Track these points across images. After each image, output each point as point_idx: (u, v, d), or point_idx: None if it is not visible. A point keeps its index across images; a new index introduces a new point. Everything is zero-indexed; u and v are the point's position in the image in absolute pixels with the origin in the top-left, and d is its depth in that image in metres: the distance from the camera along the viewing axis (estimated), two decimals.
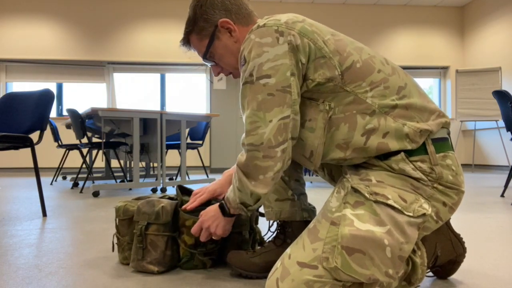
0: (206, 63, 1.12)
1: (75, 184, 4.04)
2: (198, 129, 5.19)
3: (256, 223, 1.39)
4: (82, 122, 3.65)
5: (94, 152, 6.71)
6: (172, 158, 7.04)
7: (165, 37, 7.17)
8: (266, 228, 1.84)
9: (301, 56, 0.89)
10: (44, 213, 2.25)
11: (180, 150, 3.81)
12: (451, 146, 0.95)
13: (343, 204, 0.88)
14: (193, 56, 7.16)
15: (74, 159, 6.91)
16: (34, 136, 6.06)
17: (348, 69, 0.90)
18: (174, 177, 4.97)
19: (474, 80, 6.55)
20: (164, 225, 1.20)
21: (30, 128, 2.32)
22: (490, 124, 6.79)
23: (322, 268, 0.81)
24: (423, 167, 0.88)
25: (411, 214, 0.85)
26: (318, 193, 3.33)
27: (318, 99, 0.92)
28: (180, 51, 7.19)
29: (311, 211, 1.22)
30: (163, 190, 3.58)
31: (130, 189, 3.86)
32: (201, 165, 7.13)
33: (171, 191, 3.72)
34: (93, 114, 3.48)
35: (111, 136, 4.47)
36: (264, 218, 2.11)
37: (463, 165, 7.49)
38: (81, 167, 3.94)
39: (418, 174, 0.88)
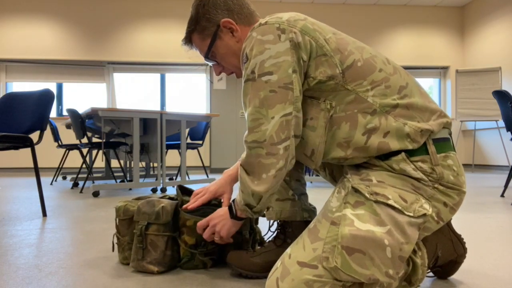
0: (208, 63, 1.12)
1: (75, 184, 4.04)
2: (198, 129, 5.19)
3: (256, 223, 1.39)
4: (82, 122, 3.65)
5: (94, 152, 6.71)
6: (172, 158, 7.04)
7: (165, 37, 7.17)
8: (266, 228, 1.84)
9: (302, 53, 0.89)
10: (44, 213, 2.25)
11: (180, 150, 3.81)
12: (453, 147, 0.94)
13: (343, 204, 0.88)
14: (193, 56, 7.16)
15: (74, 159, 6.91)
16: (34, 136, 6.06)
17: (349, 68, 0.90)
18: (174, 177, 4.97)
19: (474, 80, 6.55)
20: (164, 225, 1.20)
21: (30, 128, 2.32)
22: (490, 124, 6.79)
23: (322, 268, 0.81)
24: (424, 167, 0.88)
25: (411, 214, 0.85)
26: (318, 193, 3.33)
27: (319, 97, 0.92)
28: (180, 51, 7.19)
29: (312, 211, 1.22)
30: (163, 190, 3.58)
31: (130, 189, 3.86)
32: (201, 165, 7.13)
33: (171, 191, 3.72)
34: (93, 114, 3.48)
35: (111, 136, 4.47)
36: (264, 218, 2.11)
37: (463, 165, 7.49)
38: (81, 167, 3.94)
39: (418, 174, 0.88)
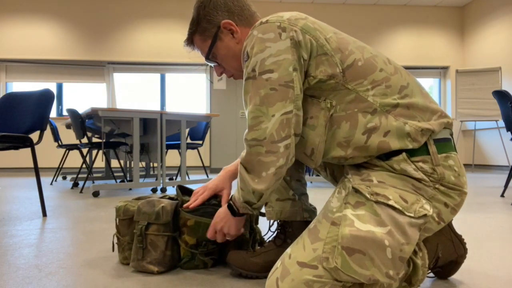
0: (209, 64, 1.12)
1: (75, 184, 4.04)
2: (198, 129, 5.19)
3: (256, 223, 1.39)
4: (82, 122, 3.65)
5: (94, 152, 6.71)
6: (172, 158, 7.04)
7: (165, 37, 7.17)
8: (266, 228, 1.84)
9: (303, 52, 0.89)
10: (44, 213, 2.25)
11: (180, 150, 3.81)
12: (454, 147, 0.94)
13: (344, 205, 0.88)
14: (193, 56, 7.16)
15: (74, 159, 6.91)
16: (34, 136, 6.06)
17: (350, 67, 0.90)
18: (174, 177, 4.97)
19: (474, 80, 6.55)
20: (164, 225, 1.20)
21: (30, 128, 2.32)
22: (490, 124, 6.79)
23: (322, 268, 0.81)
24: (425, 167, 0.88)
25: (412, 214, 0.85)
26: (318, 193, 3.33)
27: (320, 96, 0.92)
28: (180, 51, 7.19)
29: (312, 211, 1.21)
30: (163, 190, 3.58)
31: (130, 189, 3.86)
32: (201, 165, 7.13)
33: (171, 191, 3.72)
34: (93, 114, 3.48)
35: (111, 136, 4.47)
36: (265, 218, 2.11)
37: (463, 165, 7.48)
38: (81, 167, 3.94)
39: (419, 175, 0.88)
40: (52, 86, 7.19)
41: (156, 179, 3.61)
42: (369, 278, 0.80)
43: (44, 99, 2.34)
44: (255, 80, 0.91)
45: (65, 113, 7.20)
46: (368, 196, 0.86)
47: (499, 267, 1.25)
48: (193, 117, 3.79)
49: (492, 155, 6.84)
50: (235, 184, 3.07)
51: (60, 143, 4.74)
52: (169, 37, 7.18)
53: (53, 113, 7.10)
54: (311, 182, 4.42)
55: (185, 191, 1.34)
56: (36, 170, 2.25)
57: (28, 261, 1.33)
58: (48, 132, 6.77)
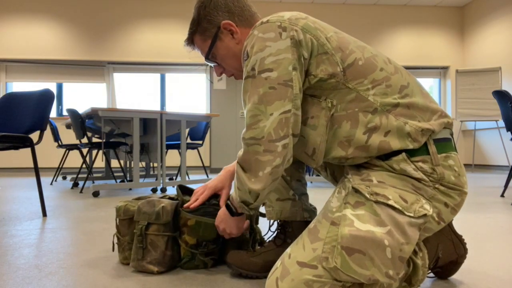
0: (209, 64, 1.12)
1: (75, 184, 4.04)
2: (198, 129, 5.19)
3: (256, 223, 1.39)
4: (82, 122, 3.65)
5: (94, 152, 6.71)
6: (172, 158, 7.04)
7: (165, 37, 7.17)
8: (266, 228, 1.84)
9: (303, 51, 0.89)
10: (44, 213, 2.25)
11: (180, 150, 3.81)
12: (454, 147, 0.94)
13: (343, 204, 0.88)
14: (193, 56, 7.16)
15: (74, 159, 6.91)
16: (34, 136, 6.06)
17: (350, 66, 0.90)
18: (174, 177, 4.97)
19: (474, 80, 6.55)
20: (164, 225, 1.20)
21: (30, 128, 2.32)
22: (490, 124, 6.79)
23: (321, 268, 0.81)
24: (425, 167, 0.88)
25: (411, 214, 0.85)
26: (318, 193, 3.33)
27: (320, 96, 0.92)
28: (180, 51, 7.19)
29: (312, 211, 1.22)
30: (163, 190, 3.58)
31: (130, 189, 3.86)
32: (201, 165, 7.13)
33: (171, 191, 3.72)
34: (93, 114, 3.48)
35: (111, 136, 4.47)
36: (265, 218, 2.11)
37: (463, 166, 7.48)
38: (81, 167, 3.94)
39: (419, 175, 0.88)
40: (52, 86, 7.19)
41: (156, 179, 3.61)
42: (369, 278, 0.80)
43: (44, 99, 2.34)
44: (254, 79, 0.91)
45: (65, 113, 7.20)
46: (367, 196, 0.86)
47: (499, 267, 1.25)
48: (193, 117, 3.79)
49: (492, 155, 6.84)
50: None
51: (60, 143, 4.74)
52: (169, 37, 7.18)
53: (53, 113, 7.10)
54: (311, 182, 4.42)
55: (185, 191, 1.34)
56: (36, 170, 2.25)
57: (28, 261, 1.33)
58: (48, 132, 6.77)
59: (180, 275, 1.18)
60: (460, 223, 2.00)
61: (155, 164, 5.90)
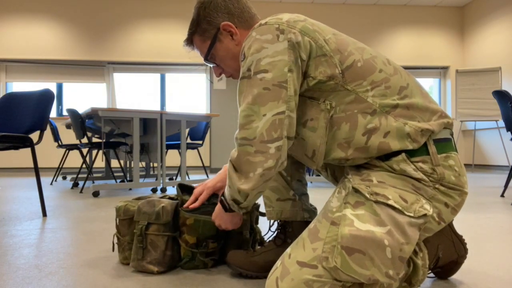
0: (208, 64, 1.13)
1: (75, 184, 4.04)
2: (198, 129, 5.19)
3: (257, 223, 1.39)
4: (82, 122, 3.65)
5: (94, 152, 6.71)
6: (172, 158, 7.04)
7: (165, 37, 7.17)
8: (266, 227, 1.84)
9: (301, 52, 0.89)
10: (44, 213, 2.25)
11: (180, 150, 3.81)
12: (454, 147, 0.94)
13: (343, 204, 0.88)
14: (193, 56, 7.16)
15: (74, 159, 6.91)
16: (34, 136, 6.06)
17: (349, 68, 0.90)
18: (174, 177, 4.97)
19: (474, 80, 6.55)
20: (164, 225, 1.20)
21: (30, 128, 2.32)
22: (490, 124, 6.79)
23: (321, 267, 0.81)
24: (424, 167, 0.88)
25: (411, 214, 0.85)
26: (318, 193, 3.33)
27: (319, 98, 0.92)
28: (180, 51, 7.19)
29: (312, 211, 1.22)
30: (163, 190, 3.58)
31: (130, 189, 3.86)
32: (201, 165, 7.13)
33: (171, 191, 3.72)
34: (93, 114, 3.48)
35: (111, 136, 4.47)
36: (265, 218, 2.11)
37: (464, 165, 7.48)
38: (81, 167, 3.94)
39: (419, 175, 0.88)
40: (52, 86, 7.19)
41: (156, 179, 3.61)
42: (369, 278, 0.80)
43: (44, 99, 2.34)
44: (249, 79, 0.91)
45: (65, 113, 7.20)
46: (367, 196, 0.86)
47: (499, 267, 1.25)
48: (193, 117, 3.79)
49: (492, 155, 6.84)
50: None
51: (60, 143, 4.74)
52: (169, 37, 7.18)
53: (53, 113, 7.10)
54: (311, 182, 4.42)
55: (186, 189, 1.34)
56: (36, 170, 2.25)
57: (28, 261, 1.33)
58: (48, 132, 6.77)
59: (180, 275, 1.18)
60: (460, 223, 2.00)
61: (155, 164, 5.90)
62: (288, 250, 0.89)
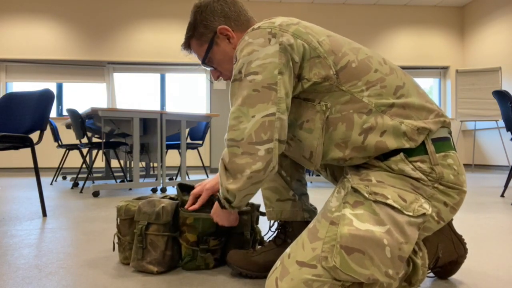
0: (206, 68, 1.13)
1: (75, 184, 4.04)
2: (198, 129, 5.19)
3: (257, 223, 1.39)
4: (82, 122, 3.65)
5: (94, 152, 6.71)
6: (172, 158, 7.04)
7: (165, 37, 7.18)
8: (266, 227, 1.84)
9: (294, 55, 0.90)
10: (44, 213, 2.25)
11: (180, 150, 3.81)
12: (453, 146, 0.94)
13: (342, 204, 0.88)
14: (193, 56, 7.12)
15: (74, 159, 6.91)
16: (34, 136, 6.06)
17: (343, 69, 0.90)
18: (174, 177, 4.97)
19: (474, 80, 6.55)
20: (164, 225, 1.20)
21: (30, 128, 2.32)
22: (490, 124, 6.79)
23: (321, 267, 0.81)
24: (423, 167, 0.88)
25: (410, 213, 0.85)
26: (318, 193, 3.33)
27: (314, 99, 0.93)
28: (180, 51, 7.18)
29: (312, 211, 1.22)
30: (163, 190, 3.58)
31: (130, 189, 3.86)
32: (201, 165, 7.13)
33: (171, 191, 3.72)
34: (93, 114, 3.48)
35: (111, 136, 4.47)
36: (265, 218, 2.11)
37: (463, 165, 7.48)
38: (81, 167, 3.94)
39: (417, 174, 0.88)
40: (52, 86, 7.19)
41: (156, 179, 3.61)
42: (368, 277, 0.80)
43: (44, 99, 2.34)
44: (240, 82, 0.91)
45: (65, 113, 7.20)
46: (366, 195, 0.87)
47: (499, 267, 1.25)
48: (193, 117, 3.79)
49: (492, 155, 6.84)
50: None
51: (60, 143, 4.74)
52: (169, 37, 7.18)
53: (53, 113, 7.10)
54: (311, 182, 4.42)
55: (186, 189, 1.34)
56: (36, 170, 2.25)
57: (28, 261, 1.33)
58: (48, 132, 6.77)
59: (180, 275, 1.18)
60: (460, 223, 2.00)
61: (155, 164, 5.90)
62: (288, 250, 0.89)
